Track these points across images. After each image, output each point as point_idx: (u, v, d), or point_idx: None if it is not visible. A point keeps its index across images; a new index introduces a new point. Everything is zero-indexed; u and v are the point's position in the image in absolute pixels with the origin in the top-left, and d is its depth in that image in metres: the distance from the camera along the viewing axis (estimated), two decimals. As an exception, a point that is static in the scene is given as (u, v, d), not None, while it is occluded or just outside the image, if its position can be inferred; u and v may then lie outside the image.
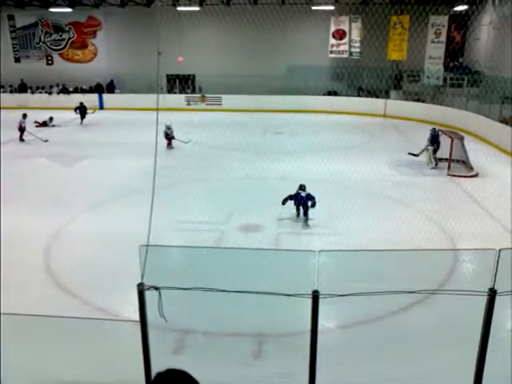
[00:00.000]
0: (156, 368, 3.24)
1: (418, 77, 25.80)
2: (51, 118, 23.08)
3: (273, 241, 9.63)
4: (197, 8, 26.55)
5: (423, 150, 15.65)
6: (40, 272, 8.42)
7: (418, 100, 25.44)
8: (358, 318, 6.56)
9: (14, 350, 4.16)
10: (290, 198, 10.71)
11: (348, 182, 12.60)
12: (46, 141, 19.32)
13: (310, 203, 10.69)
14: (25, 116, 19.66)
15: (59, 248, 9.45)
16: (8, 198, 12.14)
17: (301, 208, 10.85)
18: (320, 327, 4.44)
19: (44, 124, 22.58)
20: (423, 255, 5.73)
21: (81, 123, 23.50)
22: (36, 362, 5.29)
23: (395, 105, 25.49)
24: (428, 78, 24.19)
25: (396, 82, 26.58)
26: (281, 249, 8.70)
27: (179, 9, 26.21)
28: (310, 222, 10.55)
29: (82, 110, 23.77)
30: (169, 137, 17.73)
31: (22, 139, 19.27)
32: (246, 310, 5.90)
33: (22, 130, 19.27)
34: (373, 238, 9.13)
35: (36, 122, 20.26)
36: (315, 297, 4.41)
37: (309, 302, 4.39)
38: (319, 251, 4.50)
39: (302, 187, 10.91)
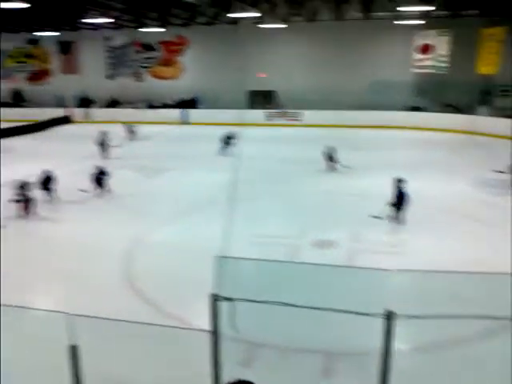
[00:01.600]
0: (225, 378, 3.26)
1: (510, 91, 24.42)
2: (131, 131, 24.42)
3: (347, 258, 9.44)
4: (281, 26, 26.91)
5: (511, 169, 14.74)
6: (120, 279, 8.82)
7: (508, 116, 24.03)
8: (432, 341, 6.24)
9: (90, 352, 4.36)
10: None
11: (429, 200, 12.13)
12: (120, 145, 20.53)
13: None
14: (106, 134, 20.10)
15: (139, 256, 9.85)
16: (93, 207, 12.91)
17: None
18: (392, 349, 4.27)
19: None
20: (506, 280, 5.36)
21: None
22: (109, 363, 5.53)
23: (483, 121, 24.23)
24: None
25: (485, 96, 25.31)
26: (355, 266, 8.50)
27: (263, 26, 26.71)
28: (383, 240, 10.18)
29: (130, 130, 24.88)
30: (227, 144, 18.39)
31: (106, 156, 19.58)
32: (317, 326, 5.82)
33: (105, 148, 19.77)
34: (452, 258, 8.69)
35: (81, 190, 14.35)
36: (389, 317, 4.25)
37: (381, 321, 4.25)
38: (395, 270, 4.35)
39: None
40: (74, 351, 4.48)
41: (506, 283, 5.03)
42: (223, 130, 19.82)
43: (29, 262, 9.59)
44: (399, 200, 11.04)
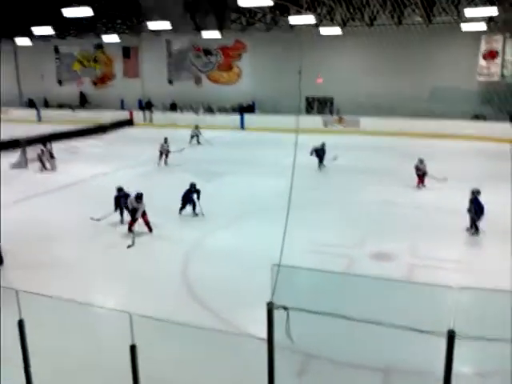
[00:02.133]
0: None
1: None
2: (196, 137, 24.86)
3: (405, 272, 9.20)
4: (339, 31, 26.70)
5: None
6: (177, 281, 9.00)
7: None
8: (497, 365, 5.97)
9: (146, 352, 4.48)
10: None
11: (490, 215, 11.62)
12: (183, 149, 20.71)
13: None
14: (166, 140, 19.95)
15: (196, 260, 10.03)
16: (154, 211, 13.23)
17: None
18: (454, 371, 4.13)
19: None
20: None
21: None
22: (164, 365, 5.65)
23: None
24: None
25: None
26: (414, 282, 8.26)
27: (322, 32, 26.60)
28: (443, 255, 9.83)
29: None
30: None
31: (165, 162, 19.69)
32: (373, 341, 5.71)
33: (165, 154, 19.67)
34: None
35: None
36: (451, 336, 4.11)
37: (441, 341, 4.12)
38: (457, 288, 4.20)
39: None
40: (133, 351, 4.62)
41: None
42: (281, 136, 19.87)
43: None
44: (476, 212, 10.80)
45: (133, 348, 4.58)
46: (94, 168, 18.72)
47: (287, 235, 4.94)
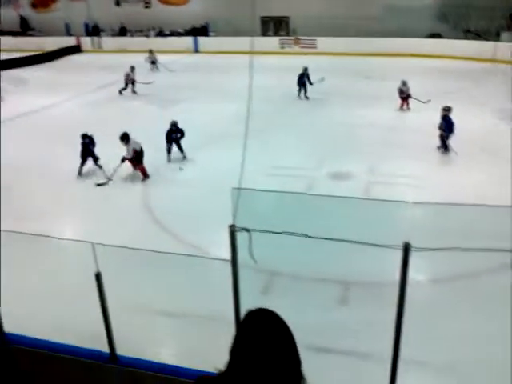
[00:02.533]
0: (245, 306, 3.36)
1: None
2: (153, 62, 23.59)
3: (363, 190, 9.46)
4: None
5: None
6: (139, 209, 8.98)
7: (534, 42, 23.02)
8: (450, 273, 6.37)
9: (111, 279, 4.52)
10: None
11: (462, 134, 11.91)
12: (151, 82, 19.17)
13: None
14: (133, 69, 18.81)
15: (156, 187, 9.96)
16: (110, 138, 12.88)
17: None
18: (409, 280, 4.36)
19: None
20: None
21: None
22: (132, 291, 5.75)
23: (507, 48, 23.25)
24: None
25: (509, 22, 24.13)
26: (372, 198, 8.53)
27: None
28: (403, 173, 10.10)
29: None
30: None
31: (134, 91, 18.80)
32: (333, 257, 5.93)
33: (131, 82, 18.66)
34: (470, 191, 8.65)
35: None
36: (406, 248, 4.30)
37: (398, 253, 4.31)
38: (413, 202, 4.34)
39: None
40: (99, 279, 4.64)
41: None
42: (236, 59, 19.34)
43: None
44: (445, 130, 11.00)
45: (98, 276, 4.60)
46: (44, 98, 17.85)
47: (247, 160, 4.92)
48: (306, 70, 16.77)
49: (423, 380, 5.03)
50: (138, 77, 18.88)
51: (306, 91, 16.85)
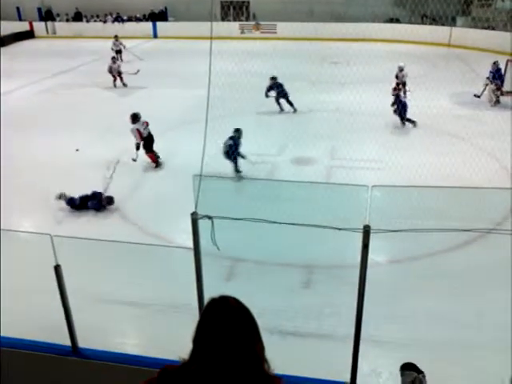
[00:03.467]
0: (208, 293, 3.36)
1: (490, 0, 23.83)
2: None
3: (325, 174, 9.57)
4: None
5: (484, 90, 14.78)
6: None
7: (488, 27, 23.61)
8: (409, 254, 6.54)
9: (74, 271, 4.44)
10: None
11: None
12: (137, 72, 17.66)
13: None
14: (114, 60, 17.98)
15: (114, 176, 9.77)
16: (67, 126, 12.58)
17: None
18: (370, 261, 4.45)
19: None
20: (481, 194, 5.53)
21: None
22: (94, 282, 5.66)
23: (462, 33, 23.80)
24: (503, 0, 22.25)
25: (464, 7, 24.67)
26: (332, 182, 8.64)
27: None
28: (364, 157, 10.25)
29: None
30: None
31: (124, 84, 17.65)
32: (296, 241, 5.99)
33: (118, 74, 17.49)
34: (428, 174, 8.85)
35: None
36: (366, 231, 4.37)
37: (359, 236, 4.38)
38: (372, 186, 4.41)
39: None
40: (58, 271, 4.54)
41: (484, 197, 5.21)
42: (196, 45, 19.09)
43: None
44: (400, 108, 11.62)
45: (57, 268, 4.50)
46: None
47: (208, 147, 4.88)
48: (275, 79, 14.27)
49: (384, 359, 5.16)
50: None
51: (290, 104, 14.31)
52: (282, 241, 6.04)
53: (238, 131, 9.72)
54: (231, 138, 9.62)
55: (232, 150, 9.45)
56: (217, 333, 1.68)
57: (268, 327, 5.21)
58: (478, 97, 14.86)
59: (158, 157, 10.55)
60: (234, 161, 9.40)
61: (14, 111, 13.65)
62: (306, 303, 5.86)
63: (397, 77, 15.26)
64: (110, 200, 8.48)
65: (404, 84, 14.99)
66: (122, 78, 17.59)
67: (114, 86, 17.56)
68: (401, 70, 15.22)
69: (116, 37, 21.99)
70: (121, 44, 21.67)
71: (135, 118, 10.43)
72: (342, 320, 5.34)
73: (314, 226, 4.49)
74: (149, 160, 10.50)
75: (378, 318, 5.14)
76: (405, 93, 14.87)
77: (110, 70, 17.46)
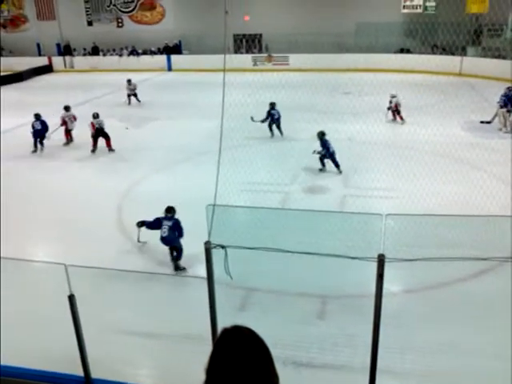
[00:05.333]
0: (222, 323, 3.34)
1: (500, 30, 24.02)
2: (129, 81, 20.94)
3: (338, 203, 9.55)
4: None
5: (495, 115, 14.80)
6: (114, 229, 8.85)
7: (498, 56, 23.75)
8: (424, 283, 6.44)
9: (88, 300, 4.45)
10: None
11: (417, 144, 12.17)
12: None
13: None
14: (130, 82, 19.96)
15: (131, 206, 9.86)
16: (81, 158, 12.79)
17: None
18: (385, 291, 4.40)
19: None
20: (496, 221, 5.47)
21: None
22: (107, 311, 5.65)
23: (472, 62, 23.97)
24: (512, 30, 22.45)
25: (474, 37, 24.89)
26: (346, 211, 8.61)
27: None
28: (377, 185, 10.24)
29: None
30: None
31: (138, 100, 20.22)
32: (310, 271, 5.95)
33: (133, 94, 19.93)
34: (442, 202, 8.81)
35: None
36: (381, 260, 4.35)
37: (374, 265, 4.35)
38: (386, 215, 4.40)
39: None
40: (71, 300, 4.56)
41: (498, 225, 5.15)
42: (209, 77, 19.43)
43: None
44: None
45: (71, 297, 4.52)
46: (15, 118, 17.53)
47: (222, 176, 4.93)
48: (273, 106, 14.72)
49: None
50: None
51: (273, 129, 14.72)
52: (296, 270, 6.01)
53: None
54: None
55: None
56: (230, 363, 1.66)
57: (282, 358, 5.15)
58: (488, 122, 14.86)
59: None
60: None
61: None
62: (321, 334, 5.78)
63: (390, 103, 15.81)
64: None
65: (398, 111, 15.53)
66: (136, 96, 19.80)
67: (129, 103, 18.92)
68: (392, 97, 15.76)
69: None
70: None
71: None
72: (357, 351, 5.26)
73: (328, 255, 4.48)
74: None
75: (394, 348, 5.05)
76: (401, 118, 15.42)
77: (128, 91, 19.88)
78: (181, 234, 7.36)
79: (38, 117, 14.09)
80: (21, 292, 6.43)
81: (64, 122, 14.32)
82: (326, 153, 11.22)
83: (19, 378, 4.29)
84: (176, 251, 7.26)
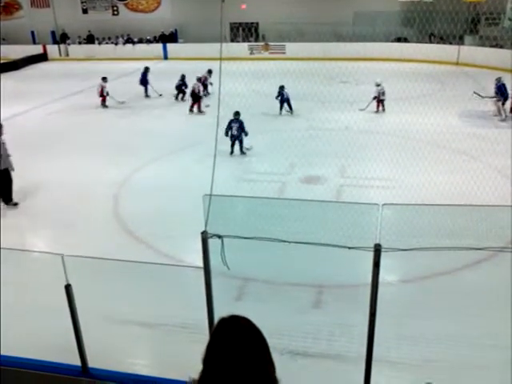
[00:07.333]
0: (218, 313, 3.34)
1: (498, 19, 23.93)
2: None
3: (335, 193, 9.56)
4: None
5: (490, 98, 14.86)
6: (110, 219, 8.85)
7: (495, 45, 23.68)
8: (420, 273, 6.48)
9: (85, 290, 4.45)
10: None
11: (414, 134, 12.18)
12: (123, 102, 18.04)
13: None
14: (105, 79, 17.76)
15: (127, 197, 9.84)
16: (78, 147, 12.73)
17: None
18: (381, 280, 4.41)
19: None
20: (492, 211, 5.48)
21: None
22: (104, 301, 5.66)
23: (470, 51, 23.91)
24: (510, 20, 22.37)
25: (472, 26, 24.80)
26: (343, 201, 8.62)
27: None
28: (374, 175, 10.23)
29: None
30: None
31: (105, 105, 17.69)
32: (306, 261, 5.95)
33: (103, 95, 17.56)
34: (439, 192, 8.84)
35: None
36: (377, 250, 4.35)
37: (370, 255, 4.35)
38: (382, 204, 4.39)
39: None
40: (68, 290, 4.55)
41: (494, 215, 5.16)
42: (206, 66, 19.33)
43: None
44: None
45: (67, 287, 4.52)
46: (11, 107, 17.41)
47: (218, 167, 4.91)
48: (282, 88, 16.09)
49: (397, 380, 5.08)
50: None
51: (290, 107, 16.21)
52: (292, 260, 6.02)
53: (237, 114, 11.58)
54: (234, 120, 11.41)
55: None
56: (227, 353, 1.67)
57: (278, 347, 5.17)
58: (480, 95, 15.21)
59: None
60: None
61: (28, 131, 13.82)
62: (317, 323, 5.80)
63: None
64: None
65: (381, 100, 15.79)
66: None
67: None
68: (377, 85, 15.93)
69: (104, 78, 18.27)
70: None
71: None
72: (353, 340, 5.29)
73: (324, 244, 4.48)
74: None
75: (389, 338, 5.08)
76: (383, 109, 15.74)
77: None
78: (244, 131, 11.56)
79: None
80: (19, 282, 6.43)
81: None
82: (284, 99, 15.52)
83: (17, 368, 4.30)
84: (240, 142, 11.61)
